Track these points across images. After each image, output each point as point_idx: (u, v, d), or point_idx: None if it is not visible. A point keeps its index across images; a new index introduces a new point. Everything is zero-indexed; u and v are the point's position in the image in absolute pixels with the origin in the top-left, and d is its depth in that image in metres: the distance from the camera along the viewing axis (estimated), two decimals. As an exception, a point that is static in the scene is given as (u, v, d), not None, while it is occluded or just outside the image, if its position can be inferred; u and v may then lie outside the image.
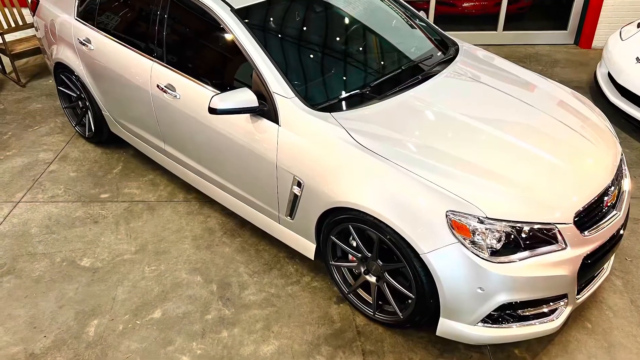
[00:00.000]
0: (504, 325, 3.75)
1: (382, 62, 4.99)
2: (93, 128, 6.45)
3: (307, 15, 5.07)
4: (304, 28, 4.96)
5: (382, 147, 3.92)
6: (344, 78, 4.67)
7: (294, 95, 4.26)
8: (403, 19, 5.58)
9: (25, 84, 8.47)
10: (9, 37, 9.34)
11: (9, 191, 5.88)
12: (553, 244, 3.64)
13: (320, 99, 4.35)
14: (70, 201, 5.69)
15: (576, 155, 4.05)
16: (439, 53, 5.24)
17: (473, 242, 3.54)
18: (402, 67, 4.87)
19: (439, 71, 4.87)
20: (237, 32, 4.55)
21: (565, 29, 9.82)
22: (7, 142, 6.81)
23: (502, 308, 3.69)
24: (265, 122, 4.33)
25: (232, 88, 4.49)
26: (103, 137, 6.49)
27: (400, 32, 5.45)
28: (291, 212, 4.43)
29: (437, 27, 5.70)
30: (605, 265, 4.28)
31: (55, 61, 6.47)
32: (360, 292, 4.38)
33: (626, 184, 4.32)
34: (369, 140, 3.97)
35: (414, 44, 5.31)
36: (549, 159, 3.95)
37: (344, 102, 4.35)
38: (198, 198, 5.68)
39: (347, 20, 5.23)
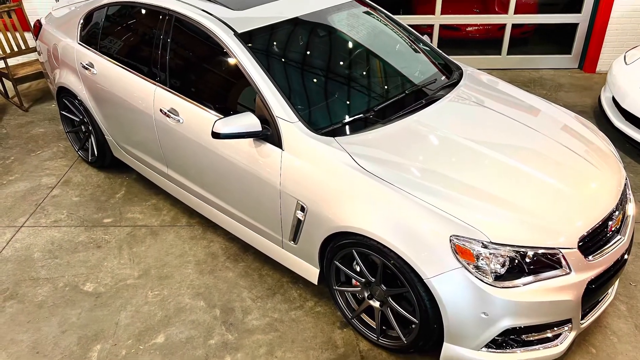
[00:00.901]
0: (508, 351, 3.77)
1: (386, 86, 5.04)
2: (96, 152, 6.50)
3: (311, 39, 5.13)
4: (308, 52, 5.02)
5: (386, 172, 3.96)
6: (348, 102, 4.72)
7: (298, 120, 4.30)
8: (407, 43, 5.64)
9: (28, 108, 8.54)
10: (11, 62, 9.43)
11: (12, 216, 5.92)
12: (557, 268, 3.66)
13: (323, 123, 4.40)
14: (73, 226, 5.73)
15: (580, 180, 4.09)
16: (443, 77, 5.29)
17: (477, 267, 3.57)
18: (406, 92, 4.92)
19: (443, 95, 4.92)
20: (241, 57, 4.61)
21: (570, 53, 9.90)
22: (10, 167, 6.86)
23: (506, 333, 3.71)
24: (268, 147, 4.38)
25: (236, 112, 4.54)
26: (106, 161, 6.54)
27: (404, 56, 5.51)
28: (294, 237, 4.46)
29: (441, 51, 5.76)
30: (609, 290, 4.30)
31: (58, 85, 6.54)
32: (364, 317, 4.40)
33: (630, 208, 4.35)
34: (372, 164, 4.01)
35: (417, 68, 5.37)
36: (553, 184, 3.99)
37: (347, 127, 4.40)
38: (201, 223, 5.72)
39: (350, 44, 5.29)
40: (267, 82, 4.46)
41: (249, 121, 4.28)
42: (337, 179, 4.04)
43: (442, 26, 9.95)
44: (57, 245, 5.49)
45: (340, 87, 4.83)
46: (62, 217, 5.88)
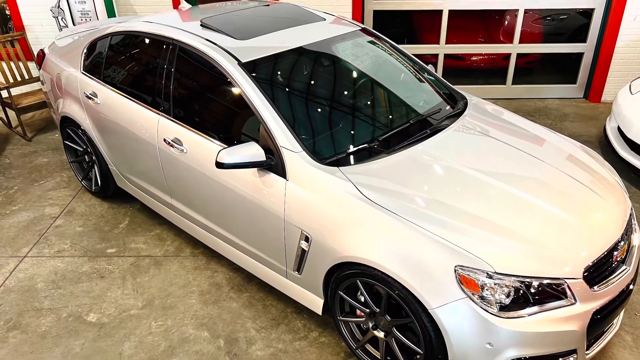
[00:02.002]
0: (514, 381, 3.79)
1: (391, 116, 5.10)
2: (99, 182, 6.56)
3: (315, 68, 5.20)
4: (312, 82, 5.08)
5: (391, 202, 4.00)
6: (352, 132, 4.77)
7: (302, 150, 4.36)
8: (411, 72, 5.71)
9: (31, 138, 8.61)
10: (14, 91, 9.53)
11: (15, 246, 5.96)
12: (562, 299, 3.69)
13: (328, 153, 4.45)
14: (77, 256, 5.77)
15: (585, 210, 4.13)
16: (448, 107, 5.35)
17: (482, 297, 3.60)
18: (411, 121, 4.97)
19: (448, 125, 4.98)
20: (245, 86, 4.67)
21: (575, 82, 9.97)
22: (13, 197, 6.92)
23: (512, 364, 3.73)
24: (272, 177, 4.43)
25: (240, 142, 4.60)
26: (109, 191, 6.59)
27: (409, 86, 5.57)
28: (299, 267, 4.49)
29: (445, 81, 5.83)
30: (614, 321, 4.32)
31: (61, 115, 6.61)
32: (369, 347, 4.42)
33: (636, 238, 4.38)
34: (377, 194, 4.05)
35: (422, 97, 5.43)
36: (558, 214, 4.02)
37: (352, 157, 4.45)
38: (205, 253, 5.76)
39: (355, 74, 5.35)
40: (271, 111, 4.52)
41: (253, 151, 4.33)
42: (342, 209, 4.08)
43: (446, 55, 10.04)
44: (61, 275, 5.52)
45: (344, 117, 4.89)
46: (66, 247, 5.92)
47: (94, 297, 5.22)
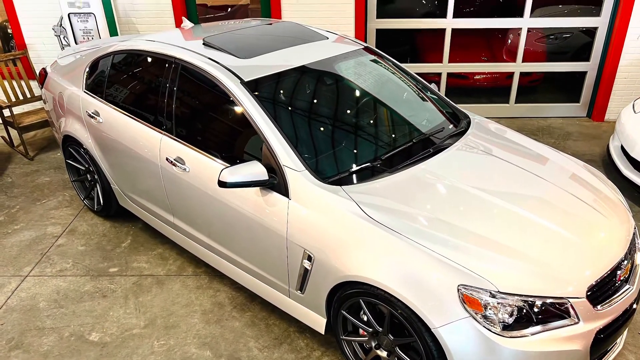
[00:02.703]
0: (517, 401, 3.80)
1: (393, 135, 5.13)
2: (102, 201, 6.59)
3: (318, 87, 5.24)
4: (315, 100, 5.12)
5: (394, 221, 4.02)
6: (355, 151, 4.80)
7: (305, 169, 4.39)
8: (414, 91, 5.75)
9: (33, 157, 8.66)
10: (16, 110, 9.60)
11: (17, 265, 5.99)
12: (565, 318, 3.71)
13: (330, 172, 4.48)
14: (79, 275, 5.79)
15: (589, 229, 4.15)
16: (451, 126, 5.39)
17: (485, 317, 3.62)
18: (414, 140, 5.01)
19: (451, 144, 5.01)
20: (247, 105, 4.71)
21: (578, 101, 10.02)
22: (15, 216, 6.95)
23: (515, 383, 3.74)
24: (275, 196, 4.45)
25: (242, 161, 4.63)
26: (112, 210, 6.62)
27: (412, 105, 5.61)
28: (301, 286, 4.51)
29: (448, 100, 5.87)
30: (618, 340, 4.33)
31: (63, 134, 6.66)
32: (372, 367, 4.44)
33: (639, 257, 4.40)
34: (380, 213, 4.08)
35: (425, 116, 5.47)
36: (561, 233, 4.05)
37: (354, 175, 4.48)
38: (207, 272, 5.78)
39: (357, 93, 5.39)
40: (273, 130, 4.56)
41: (255, 170, 4.36)
42: (345, 228, 4.10)
43: (449, 74, 10.10)
44: (63, 294, 5.54)
45: (347, 136, 4.92)
46: (68, 266, 5.95)
47: (96, 316, 5.24)
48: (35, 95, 8.96)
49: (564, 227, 4.10)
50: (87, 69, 6.38)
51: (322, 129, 4.91)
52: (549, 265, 3.79)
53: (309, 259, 4.30)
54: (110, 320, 5.18)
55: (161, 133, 5.38)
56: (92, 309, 5.33)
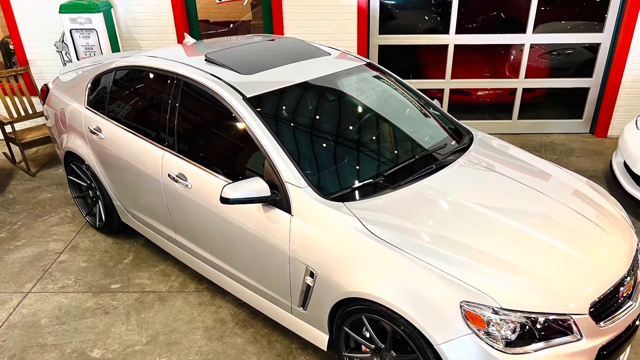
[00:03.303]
0: (520, 418, 3.80)
1: (396, 151, 5.16)
2: (104, 218, 6.62)
3: (320, 103, 5.27)
4: (317, 117, 5.15)
5: (396, 237, 4.04)
6: (357, 167, 4.83)
7: (307, 185, 4.41)
8: (417, 107, 5.78)
9: (35, 173, 8.69)
10: (18, 126, 9.64)
11: (19, 281, 6.01)
12: (568, 334, 3.72)
13: (333, 188, 4.50)
14: (81, 292, 5.81)
15: (591, 245, 4.17)
16: (453, 142, 5.42)
17: (487, 333, 3.64)
18: (416, 156, 5.03)
19: (453, 160, 5.04)
20: (249, 121, 4.74)
21: (581, 117, 10.05)
22: (17, 232, 6.98)
23: (518, 400, 3.75)
24: (277, 212, 4.48)
25: (244, 177, 4.66)
26: (114, 226, 6.65)
27: (414, 121, 5.64)
28: (304, 303, 4.53)
29: (451, 116, 5.90)
30: (621, 357, 4.34)
31: (65, 150, 6.69)
32: (374, 384, 4.45)
33: (642, 274, 4.41)
34: (382, 230, 4.10)
35: (427, 132, 5.50)
36: (563, 249, 4.06)
37: (357, 192, 4.50)
38: (210, 288, 5.79)
39: (360, 109, 5.42)
40: (276, 147, 4.58)
41: (257, 186, 4.38)
42: (347, 245, 4.12)
43: (452, 90, 10.14)
44: (65, 311, 5.56)
45: (349, 152, 4.95)
46: (70, 282, 5.96)
47: (98, 332, 5.26)
48: (37, 111, 9.01)
49: (566, 243, 4.12)
50: (89, 85, 6.42)
51: (324, 145, 4.94)
52: (552, 282, 3.81)
53: (311, 275, 4.31)
54: (112, 337, 5.19)
55: (163, 149, 5.41)
56: (94, 325, 5.35)
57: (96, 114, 6.21)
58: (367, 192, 4.52)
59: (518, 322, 3.65)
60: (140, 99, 5.84)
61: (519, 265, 3.88)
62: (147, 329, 5.30)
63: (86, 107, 6.36)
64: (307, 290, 4.42)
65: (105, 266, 6.22)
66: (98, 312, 5.53)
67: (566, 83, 9.88)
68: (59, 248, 6.60)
